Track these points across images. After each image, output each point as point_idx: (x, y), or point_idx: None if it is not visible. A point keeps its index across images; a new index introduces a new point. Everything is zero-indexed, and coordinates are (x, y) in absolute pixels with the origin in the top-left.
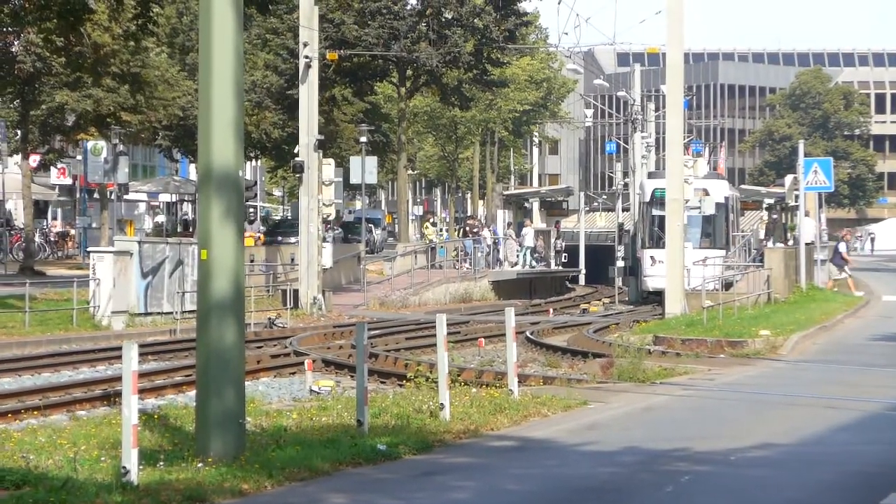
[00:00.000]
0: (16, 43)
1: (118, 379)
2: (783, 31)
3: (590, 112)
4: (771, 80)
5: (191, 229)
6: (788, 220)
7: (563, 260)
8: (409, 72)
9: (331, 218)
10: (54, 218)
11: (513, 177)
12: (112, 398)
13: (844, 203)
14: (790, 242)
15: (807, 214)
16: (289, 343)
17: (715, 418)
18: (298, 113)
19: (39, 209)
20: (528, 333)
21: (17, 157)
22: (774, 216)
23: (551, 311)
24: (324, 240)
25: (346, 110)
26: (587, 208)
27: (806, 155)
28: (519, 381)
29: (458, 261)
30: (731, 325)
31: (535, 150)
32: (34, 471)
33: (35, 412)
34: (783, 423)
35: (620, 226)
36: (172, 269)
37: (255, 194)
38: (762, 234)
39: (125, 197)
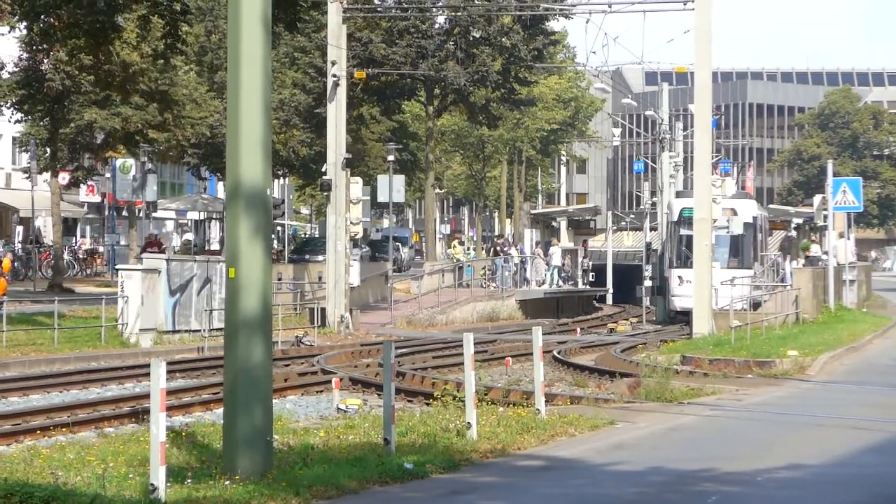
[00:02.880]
0: (45, 61)
1: (146, 396)
2: (812, 51)
3: (617, 131)
4: (800, 99)
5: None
6: (806, 238)
7: (590, 279)
8: (436, 90)
9: (358, 236)
10: (83, 235)
11: (540, 196)
12: (140, 415)
13: (873, 223)
14: (801, 262)
15: (841, 235)
16: (316, 361)
17: (742, 439)
18: (326, 131)
19: (68, 227)
20: (555, 353)
21: (47, 175)
22: (790, 235)
23: (578, 330)
24: (351, 258)
25: (373, 129)
26: (614, 227)
27: (835, 175)
28: (546, 401)
29: (485, 280)
30: (758, 345)
31: (563, 169)
32: (63, 487)
33: (63, 429)
34: (811, 443)
35: (648, 245)
36: (200, 286)
37: (283, 212)
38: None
39: (153, 215)
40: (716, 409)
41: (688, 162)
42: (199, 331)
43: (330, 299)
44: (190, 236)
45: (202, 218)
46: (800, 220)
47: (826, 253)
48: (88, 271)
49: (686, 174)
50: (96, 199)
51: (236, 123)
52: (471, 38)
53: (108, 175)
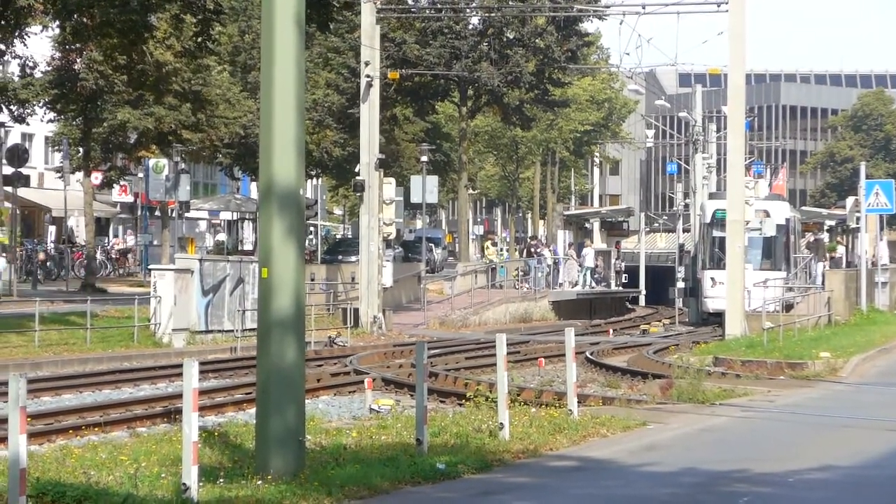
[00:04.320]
0: (78, 61)
1: (179, 396)
2: (845, 53)
3: (651, 132)
4: (833, 101)
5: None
6: (833, 240)
7: (623, 280)
8: (470, 91)
9: (391, 237)
10: (115, 235)
11: (573, 197)
12: (172, 415)
13: None
14: (827, 264)
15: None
16: (349, 361)
17: (774, 440)
18: (360, 132)
19: (101, 226)
20: (587, 354)
21: (80, 175)
22: (818, 236)
23: (611, 331)
24: (384, 259)
25: (407, 129)
26: (647, 229)
27: (867, 177)
28: (579, 402)
29: (518, 281)
30: (791, 346)
31: (596, 171)
32: (95, 486)
33: (96, 428)
34: (843, 445)
35: (681, 246)
36: (233, 286)
37: (316, 213)
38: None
39: (186, 215)
40: (748, 411)
41: (721, 163)
42: (232, 331)
43: (363, 300)
44: (223, 237)
45: (235, 218)
46: (832, 223)
47: (855, 255)
48: (121, 271)
49: (719, 176)
50: (129, 199)
51: (269, 123)
52: (504, 39)
53: (140, 175)
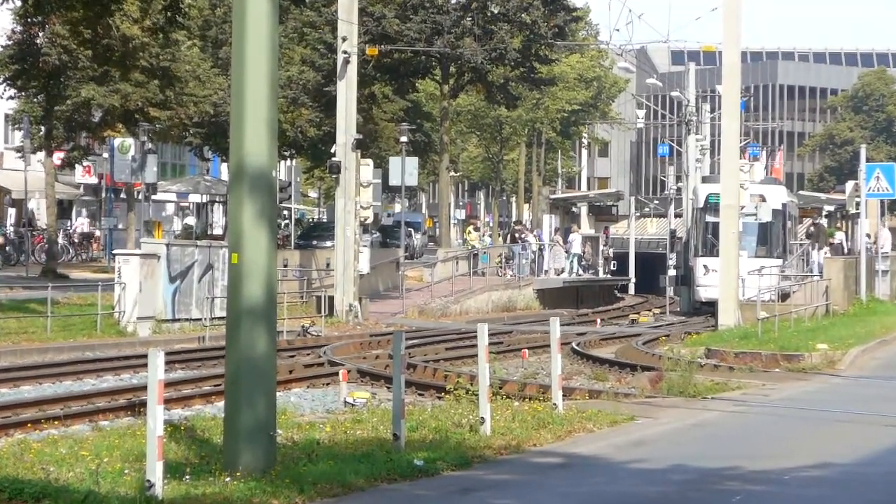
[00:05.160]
0: (40, 35)
1: (143, 388)
2: (846, 31)
3: (642, 113)
4: (832, 81)
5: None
6: (832, 227)
7: (611, 268)
8: (452, 69)
9: (368, 221)
10: (85, 217)
11: (560, 180)
12: (137, 408)
13: None
14: (827, 251)
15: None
16: (323, 352)
17: (769, 435)
18: (336, 111)
19: (63, 209)
20: (573, 345)
21: (41, 155)
22: (818, 221)
23: (599, 321)
24: (361, 244)
25: (385, 108)
26: (638, 214)
27: (868, 160)
28: (564, 395)
29: (501, 268)
30: (787, 338)
31: (584, 152)
32: (54, 483)
33: (56, 422)
34: (841, 441)
35: (672, 232)
36: (202, 273)
37: (290, 196)
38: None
39: (153, 197)
40: (741, 405)
41: (715, 146)
42: (200, 319)
43: (338, 287)
44: (191, 220)
45: (204, 201)
46: (831, 208)
47: (854, 241)
48: (84, 256)
49: (713, 158)
50: (93, 180)
51: (241, 101)
52: (489, 14)
53: (105, 155)
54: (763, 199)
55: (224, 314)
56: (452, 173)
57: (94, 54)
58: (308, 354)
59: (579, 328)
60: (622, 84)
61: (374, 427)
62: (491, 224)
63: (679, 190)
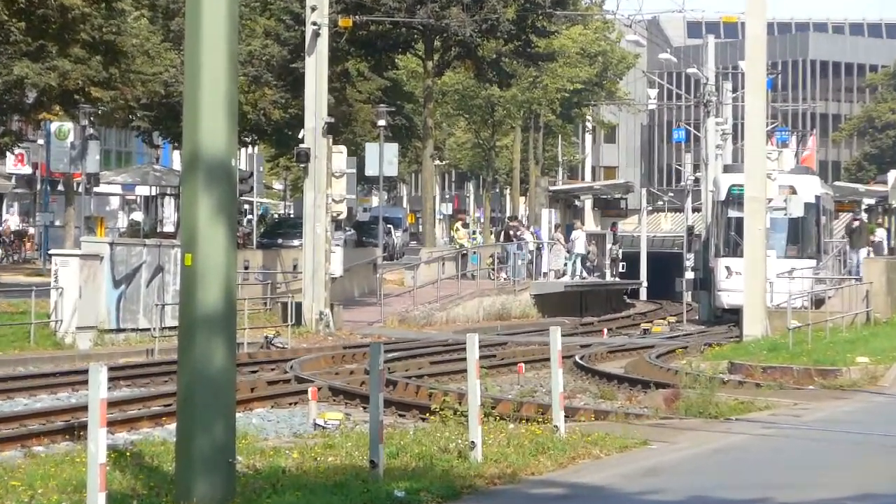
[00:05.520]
0: None
1: (83, 408)
2: None
3: (654, 92)
4: (871, 56)
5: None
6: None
7: (620, 270)
8: (437, 42)
9: (342, 217)
10: (11, 213)
11: (561, 169)
12: (76, 431)
13: None
14: (870, 250)
15: None
16: (289, 367)
17: (802, 462)
18: (304, 91)
19: None
20: (577, 358)
21: None
22: (858, 217)
23: (606, 331)
24: (333, 243)
25: (361, 88)
26: (650, 208)
27: None
28: (566, 416)
29: (494, 270)
30: (821, 350)
31: (588, 138)
32: None
33: None
34: (884, 469)
35: (690, 229)
36: (151, 276)
37: (252, 188)
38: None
39: (95, 190)
40: (770, 427)
41: (738, 130)
42: (149, 330)
43: (307, 292)
44: (139, 216)
45: (154, 194)
46: (871, 201)
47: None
48: (15, 257)
49: (736, 144)
50: (27, 170)
51: (196, 80)
52: None
53: (40, 142)
54: (793, 191)
55: (176, 323)
56: (438, 162)
57: (27, 26)
58: (272, 369)
59: (583, 339)
60: (631, 60)
61: (348, 453)
62: (482, 220)
63: (697, 181)
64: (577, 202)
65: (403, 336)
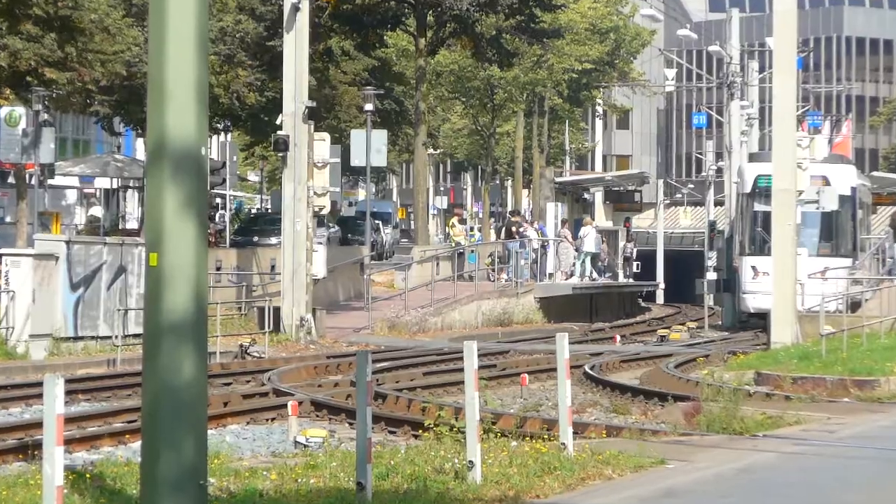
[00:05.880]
0: None
1: (38, 425)
2: None
3: (672, 73)
4: None
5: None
6: None
7: (634, 270)
8: (430, 17)
9: (325, 212)
10: None
11: (568, 159)
12: (30, 450)
13: None
14: None
15: None
16: (267, 378)
17: (838, 483)
18: (282, 71)
19: None
20: (587, 368)
21: None
22: None
23: (618, 338)
24: (315, 241)
25: (346, 68)
26: (667, 201)
27: None
28: (575, 432)
29: (494, 271)
30: (858, 358)
31: (599, 124)
32: None
33: None
34: None
35: (711, 225)
36: (112, 278)
37: (224, 179)
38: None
39: (50, 182)
40: (801, 444)
41: (765, 114)
42: (110, 338)
43: (286, 296)
44: (98, 211)
45: (115, 186)
46: None
47: None
48: None
49: (763, 130)
50: None
51: (161, 60)
52: None
53: None
54: (827, 182)
55: (140, 330)
56: (431, 151)
57: None
58: (248, 381)
59: (594, 347)
60: (647, 37)
61: (332, 474)
62: (480, 215)
63: (720, 171)
64: (586, 195)
65: (394, 344)
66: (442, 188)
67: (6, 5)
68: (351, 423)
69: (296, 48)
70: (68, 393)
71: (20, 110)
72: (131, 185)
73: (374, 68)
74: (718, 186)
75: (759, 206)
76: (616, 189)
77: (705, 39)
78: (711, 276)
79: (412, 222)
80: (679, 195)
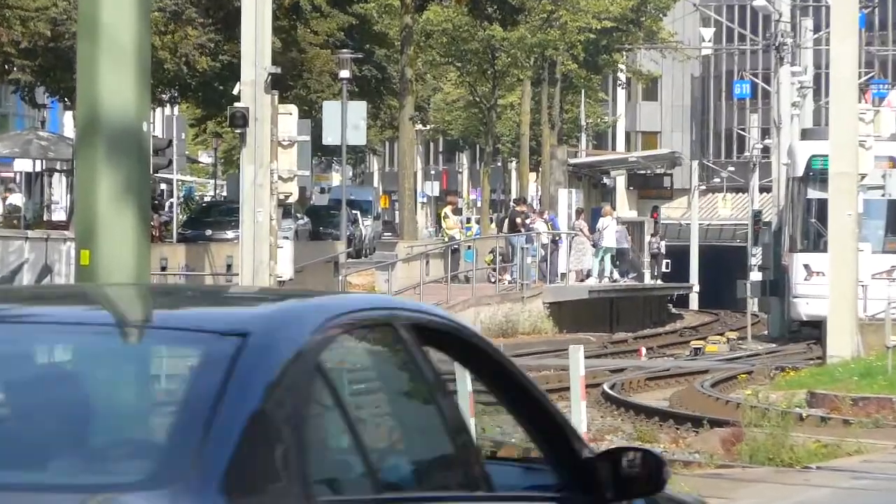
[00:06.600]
0: None
1: None
2: None
3: (708, 33)
4: None
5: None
6: None
7: (663, 269)
8: None
9: (291, 200)
10: None
11: (584, 136)
12: None
13: None
14: None
15: None
16: None
17: None
18: (240, 31)
19: None
20: (606, 387)
21: None
22: None
23: (644, 351)
24: (280, 234)
25: (317, 27)
26: (703, 187)
27: None
28: None
29: (495, 270)
30: None
31: (621, 94)
32: None
33: None
34: None
35: (756, 215)
36: (35, 279)
37: (170, 161)
38: None
39: None
40: (862, 478)
41: (821, 82)
42: None
43: None
44: (18, 199)
45: (38, 169)
46: None
47: None
48: None
49: (818, 102)
50: None
51: (93, 18)
52: None
53: None
54: (894, 165)
55: None
56: (420, 126)
57: None
58: None
59: (614, 362)
60: None
61: None
62: (479, 204)
63: (766, 151)
64: (605, 180)
65: None
66: (433, 171)
67: None
68: None
69: (256, 2)
70: None
71: None
72: (58, 167)
73: (351, 27)
74: (764, 169)
75: (813, 193)
76: (642, 172)
77: None
78: (756, 276)
79: (397, 212)
80: (717, 180)
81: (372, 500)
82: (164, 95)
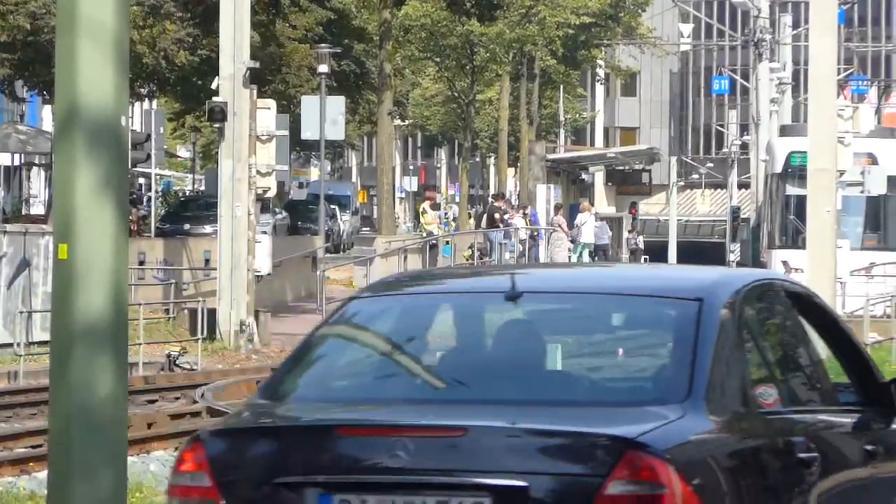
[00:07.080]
0: None
1: None
2: None
3: (687, 29)
4: None
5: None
6: None
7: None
8: None
9: (270, 195)
10: None
11: (562, 131)
12: None
13: None
14: None
15: None
16: (199, 395)
17: None
18: (219, 25)
19: None
20: None
21: None
22: None
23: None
24: (258, 230)
25: (296, 22)
26: (682, 183)
27: None
28: None
29: (474, 265)
30: None
31: (600, 90)
32: None
33: None
34: None
35: (734, 211)
36: (13, 274)
37: (149, 155)
38: None
39: None
40: None
41: (800, 78)
42: (11, 346)
43: (223, 296)
44: None
45: (17, 163)
46: None
47: None
48: None
49: (797, 98)
50: None
51: (72, 11)
52: None
53: None
54: (874, 161)
55: (48, 337)
56: (399, 121)
57: None
58: (177, 398)
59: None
60: None
61: None
62: (457, 199)
63: (745, 147)
64: (584, 175)
65: None
66: (411, 166)
67: None
68: None
69: None
70: None
71: None
72: (37, 161)
73: (329, 22)
74: (743, 165)
75: (791, 190)
76: (620, 168)
77: None
78: None
79: (375, 207)
80: (696, 176)
81: (788, 410)
82: (142, 90)
